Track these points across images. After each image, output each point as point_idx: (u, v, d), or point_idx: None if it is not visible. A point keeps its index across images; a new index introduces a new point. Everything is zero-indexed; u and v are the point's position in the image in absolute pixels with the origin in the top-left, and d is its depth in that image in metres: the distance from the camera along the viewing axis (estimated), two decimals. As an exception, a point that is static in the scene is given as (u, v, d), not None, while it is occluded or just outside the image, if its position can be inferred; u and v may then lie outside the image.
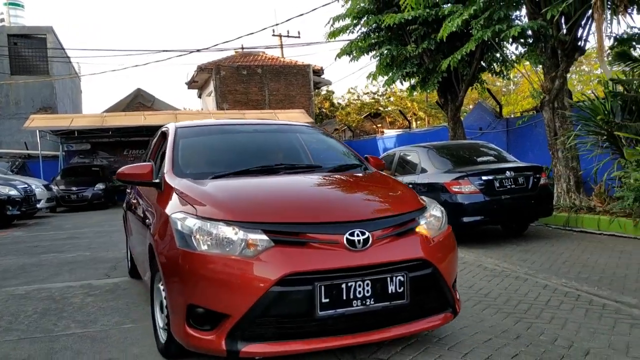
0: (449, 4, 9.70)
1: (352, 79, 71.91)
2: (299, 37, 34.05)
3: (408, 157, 8.09)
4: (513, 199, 6.71)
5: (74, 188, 17.22)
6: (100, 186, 17.66)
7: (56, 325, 3.85)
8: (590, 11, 7.91)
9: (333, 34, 11.49)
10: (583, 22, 8.57)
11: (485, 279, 4.83)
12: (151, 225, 3.25)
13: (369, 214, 2.86)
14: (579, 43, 8.82)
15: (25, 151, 21.26)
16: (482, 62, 11.18)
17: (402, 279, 2.64)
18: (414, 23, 10.37)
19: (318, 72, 26.21)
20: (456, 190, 6.62)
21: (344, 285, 2.53)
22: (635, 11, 8.04)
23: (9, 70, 23.82)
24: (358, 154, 4.18)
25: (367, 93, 31.42)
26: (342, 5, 11.71)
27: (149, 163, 3.67)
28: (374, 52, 11.66)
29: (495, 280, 4.74)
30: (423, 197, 3.35)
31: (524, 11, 9.38)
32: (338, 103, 33.21)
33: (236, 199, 2.94)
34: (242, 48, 25.31)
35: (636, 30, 8.39)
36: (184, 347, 2.73)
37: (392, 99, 30.23)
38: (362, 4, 11.11)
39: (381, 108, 30.94)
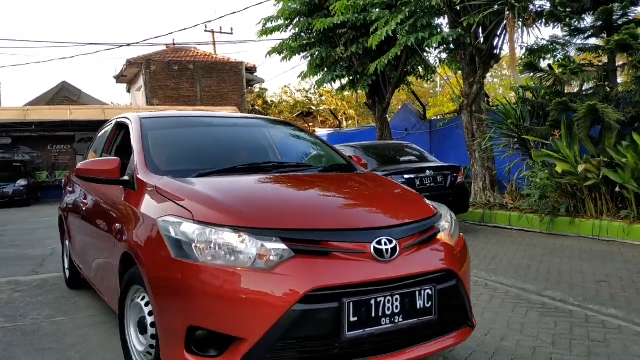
0: (377, 10, 10.11)
1: (285, 77, 72.17)
2: (232, 33, 33.76)
3: (337, 156, 8.36)
4: (432, 197, 7.10)
5: (-6, 184, 16.39)
6: (22, 182, 17.00)
7: (-19, 321, 3.81)
8: (504, 22, 8.58)
9: (264, 32, 11.67)
10: (498, 32, 9.26)
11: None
12: (122, 231, 2.82)
13: (393, 220, 2.52)
14: (495, 51, 9.52)
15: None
16: (407, 66, 11.70)
17: (430, 292, 2.33)
18: (344, 27, 10.72)
19: (251, 70, 26.19)
20: (381, 188, 6.94)
21: (373, 302, 2.18)
22: (543, 25, 8.80)
23: None
24: (343, 154, 3.92)
25: (300, 90, 31.77)
26: (275, 5, 11.88)
27: (115, 158, 3.18)
28: (305, 53, 11.92)
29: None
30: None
31: (447, 19, 9.97)
32: (271, 101, 33.29)
33: (242, 200, 2.54)
34: (174, 43, 24.86)
35: (544, 42, 9.17)
36: None
37: (324, 97, 30.73)
38: (293, 5, 11.30)
39: (313, 107, 31.36)
